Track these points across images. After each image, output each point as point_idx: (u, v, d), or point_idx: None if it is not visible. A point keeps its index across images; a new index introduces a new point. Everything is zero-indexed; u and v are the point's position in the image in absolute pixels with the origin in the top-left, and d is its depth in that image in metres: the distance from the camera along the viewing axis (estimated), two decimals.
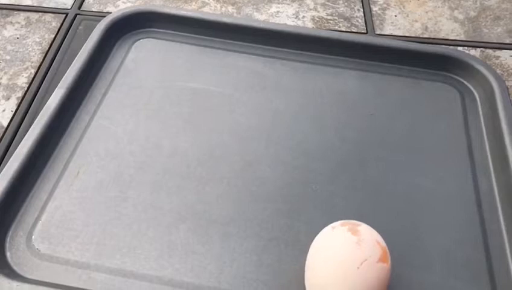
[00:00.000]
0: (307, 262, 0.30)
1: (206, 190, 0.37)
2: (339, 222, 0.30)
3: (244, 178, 0.37)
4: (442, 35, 0.51)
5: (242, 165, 0.38)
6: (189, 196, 0.36)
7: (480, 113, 0.43)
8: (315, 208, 0.36)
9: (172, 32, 0.48)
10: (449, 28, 0.52)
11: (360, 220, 0.35)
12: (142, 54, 0.46)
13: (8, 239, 0.33)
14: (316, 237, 0.31)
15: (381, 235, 0.30)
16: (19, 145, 0.36)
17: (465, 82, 0.45)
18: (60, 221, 0.34)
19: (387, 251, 0.29)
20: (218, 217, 0.35)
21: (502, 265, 0.33)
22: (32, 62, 0.45)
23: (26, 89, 0.43)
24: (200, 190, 0.36)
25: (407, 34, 0.51)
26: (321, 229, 0.31)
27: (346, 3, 0.53)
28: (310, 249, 0.30)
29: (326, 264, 0.28)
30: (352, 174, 0.38)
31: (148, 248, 0.33)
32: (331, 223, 0.32)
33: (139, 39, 0.47)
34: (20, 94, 0.42)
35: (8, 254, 0.32)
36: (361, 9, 0.53)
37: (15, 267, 0.32)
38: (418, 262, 0.33)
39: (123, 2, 0.53)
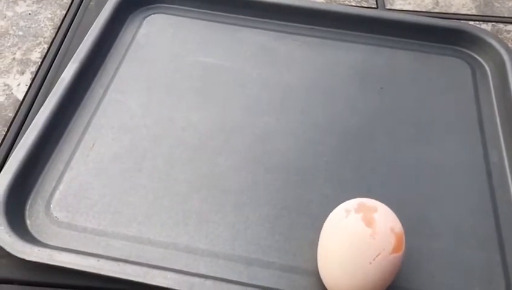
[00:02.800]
0: (320, 241, 0.31)
1: (218, 162, 0.37)
2: (354, 204, 0.29)
3: (256, 150, 0.38)
4: (453, 9, 0.51)
5: (253, 137, 0.39)
6: (202, 167, 0.37)
7: (491, 86, 0.43)
8: (326, 179, 0.37)
9: (183, 7, 0.48)
10: (460, 3, 0.51)
11: (370, 191, 0.36)
12: (153, 29, 0.46)
13: (27, 207, 0.34)
14: (330, 217, 0.30)
15: (391, 205, 0.30)
16: (36, 117, 0.37)
17: (476, 56, 0.45)
18: (77, 190, 0.35)
19: (403, 235, 0.28)
20: (230, 187, 0.36)
21: (511, 234, 0.34)
22: (44, 37, 0.46)
23: (39, 63, 0.43)
24: (212, 162, 0.37)
25: (417, 9, 0.51)
26: (331, 200, 0.32)
27: None
28: (323, 229, 0.30)
29: (339, 254, 0.28)
30: (363, 146, 0.39)
31: (163, 216, 0.34)
32: (341, 193, 0.33)
33: (150, 14, 0.48)
34: (34, 69, 0.43)
35: (28, 222, 0.33)
36: None
37: (35, 235, 0.32)
38: (428, 231, 0.34)
39: None
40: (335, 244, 0.29)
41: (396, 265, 0.28)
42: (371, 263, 0.27)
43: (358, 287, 0.28)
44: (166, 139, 0.38)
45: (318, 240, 0.32)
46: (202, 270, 0.31)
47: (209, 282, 0.30)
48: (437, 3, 0.51)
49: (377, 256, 0.27)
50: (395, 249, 0.28)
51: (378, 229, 0.28)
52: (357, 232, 0.28)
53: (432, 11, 0.50)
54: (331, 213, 0.30)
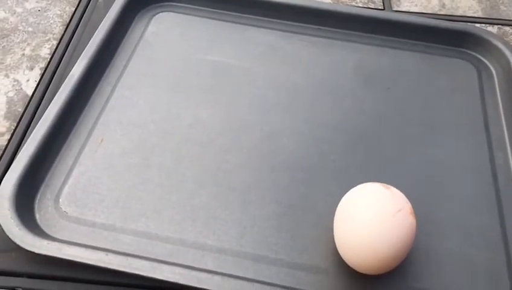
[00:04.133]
0: (337, 215, 0.31)
1: (225, 159, 0.37)
2: (369, 182, 0.31)
3: (263, 148, 0.38)
4: (459, 12, 0.51)
5: (260, 136, 0.39)
6: (210, 164, 0.37)
7: (497, 88, 0.43)
8: (332, 178, 0.37)
9: (191, 6, 0.48)
10: (466, 5, 0.52)
11: None
12: (161, 27, 0.46)
13: (36, 201, 0.34)
14: (348, 193, 0.31)
15: None
16: (45, 113, 0.37)
17: (482, 58, 0.46)
18: (86, 185, 0.35)
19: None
20: (238, 184, 0.36)
21: None
22: (54, 34, 0.46)
23: (49, 59, 0.44)
24: (219, 159, 0.37)
25: (424, 11, 0.51)
26: (338, 199, 0.32)
27: None
28: (341, 204, 0.31)
29: (361, 214, 0.29)
30: (369, 146, 0.39)
31: (171, 211, 0.34)
32: (347, 192, 0.33)
33: (159, 12, 0.48)
34: (43, 65, 0.43)
35: (37, 216, 0.33)
36: None
37: (44, 228, 0.33)
38: (435, 231, 0.34)
39: None
40: (357, 207, 0.30)
41: (413, 230, 0.29)
42: (394, 215, 0.28)
43: (387, 241, 0.28)
44: (174, 136, 0.38)
45: (324, 238, 0.33)
46: (210, 266, 0.31)
47: (217, 278, 0.30)
48: (443, 6, 0.52)
49: (398, 211, 0.28)
50: (412, 214, 0.29)
51: (395, 194, 0.30)
52: (378, 192, 0.30)
53: (438, 13, 0.51)
54: (347, 193, 0.32)
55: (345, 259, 0.30)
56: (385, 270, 0.29)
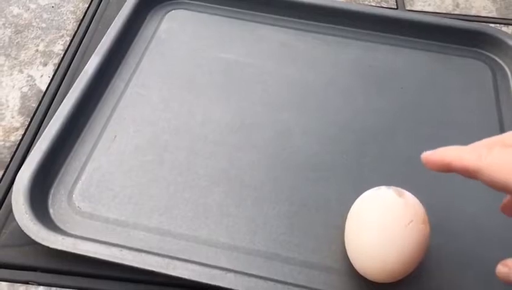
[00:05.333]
0: (348, 223, 0.31)
1: (238, 157, 0.37)
2: (382, 186, 0.31)
3: (275, 147, 0.38)
4: (473, 12, 0.51)
5: (273, 134, 0.39)
6: (222, 161, 0.37)
7: None
8: (345, 177, 0.37)
9: (204, 4, 0.48)
10: (481, 5, 0.51)
11: None
12: (174, 25, 0.47)
13: (50, 197, 0.34)
14: (360, 198, 0.31)
15: None
16: (59, 109, 0.37)
17: (496, 58, 0.45)
18: (99, 181, 0.35)
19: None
20: (250, 182, 0.36)
21: None
22: (67, 30, 0.46)
23: (62, 55, 0.44)
24: (232, 157, 0.37)
25: (437, 10, 0.51)
26: (350, 198, 0.32)
27: None
28: (352, 209, 0.31)
29: (373, 224, 0.29)
30: (382, 145, 0.39)
31: (184, 208, 0.34)
32: (360, 191, 0.33)
33: (171, 10, 0.48)
34: (56, 61, 0.43)
35: (51, 211, 0.33)
36: None
37: (58, 223, 0.33)
38: (448, 232, 0.34)
39: None
40: (368, 215, 0.29)
41: (427, 238, 0.29)
42: (406, 226, 0.28)
43: (397, 253, 0.28)
44: (187, 133, 0.38)
45: (336, 237, 0.32)
46: (223, 263, 0.31)
47: (230, 275, 0.30)
48: (457, 5, 0.51)
49: (410, 222, 0.28)
50: (424, 222, 0.29)
51: (408, 201, 0.29)
52: (391, 201, 0.29)
53: (452, 12, 0.50)
54: (358, 197, 0.31)
55: (354, 266, 0.30)
56: (394, 280, 0.29)
